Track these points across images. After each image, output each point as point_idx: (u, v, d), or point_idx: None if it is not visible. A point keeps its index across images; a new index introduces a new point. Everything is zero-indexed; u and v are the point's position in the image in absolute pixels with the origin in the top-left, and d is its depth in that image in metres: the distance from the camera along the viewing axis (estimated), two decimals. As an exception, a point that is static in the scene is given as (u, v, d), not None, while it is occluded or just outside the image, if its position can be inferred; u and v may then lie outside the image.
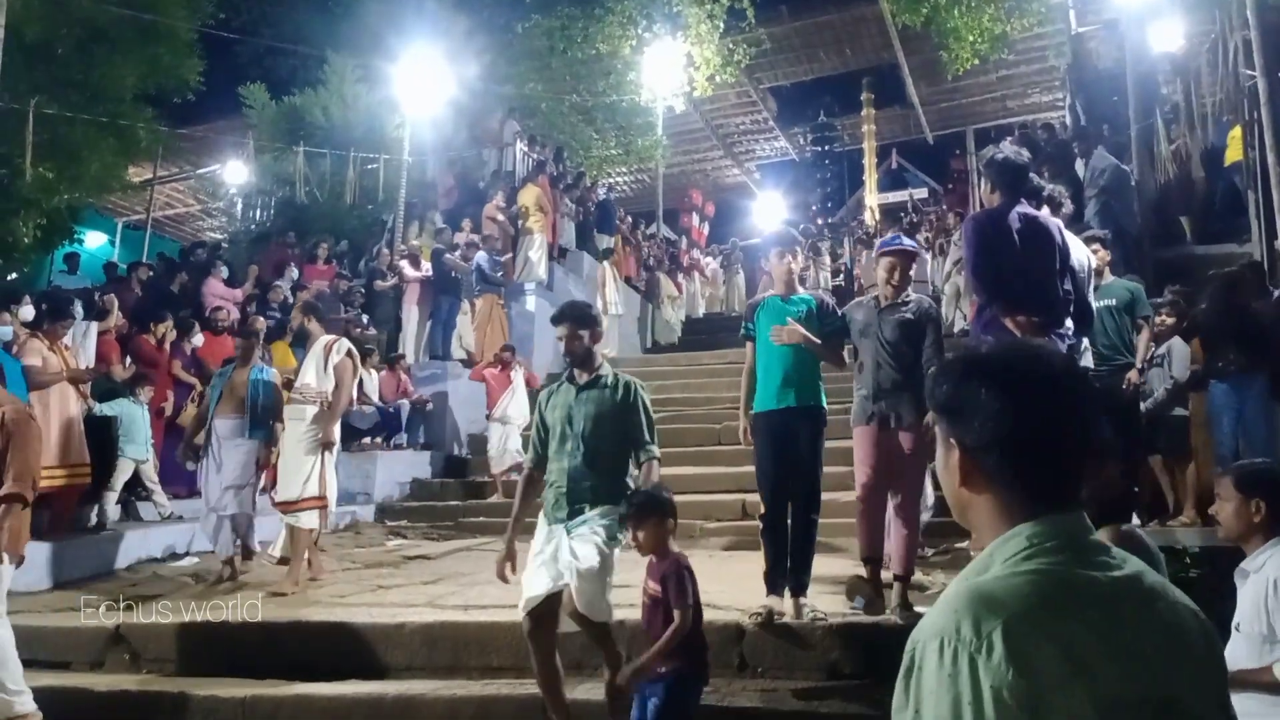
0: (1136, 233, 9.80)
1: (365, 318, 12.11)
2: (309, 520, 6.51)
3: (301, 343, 7.05)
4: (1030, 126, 16.83)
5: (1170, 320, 6.81)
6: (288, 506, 6.52)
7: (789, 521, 4.88)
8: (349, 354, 6.85)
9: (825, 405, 5.02)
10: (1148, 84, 10.97)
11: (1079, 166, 10.61)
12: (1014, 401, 1.25)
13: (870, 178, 27.75)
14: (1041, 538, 1.22)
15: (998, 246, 4.46)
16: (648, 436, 4.14)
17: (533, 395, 10.61)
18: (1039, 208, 4.84)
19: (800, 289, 5.14)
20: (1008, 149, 4.87)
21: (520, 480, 4.39)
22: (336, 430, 6.87)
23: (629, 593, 4.21)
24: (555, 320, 4.21)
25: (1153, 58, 11.33)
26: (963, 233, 4.80)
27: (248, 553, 7.14)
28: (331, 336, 6.96)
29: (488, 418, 10.49)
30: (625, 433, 4.11)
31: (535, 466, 4.28)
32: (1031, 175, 5.07)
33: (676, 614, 3.55)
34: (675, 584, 3.58)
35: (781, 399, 4.91)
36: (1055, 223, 4.71)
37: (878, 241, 19.67)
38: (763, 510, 4.97)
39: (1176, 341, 6.67)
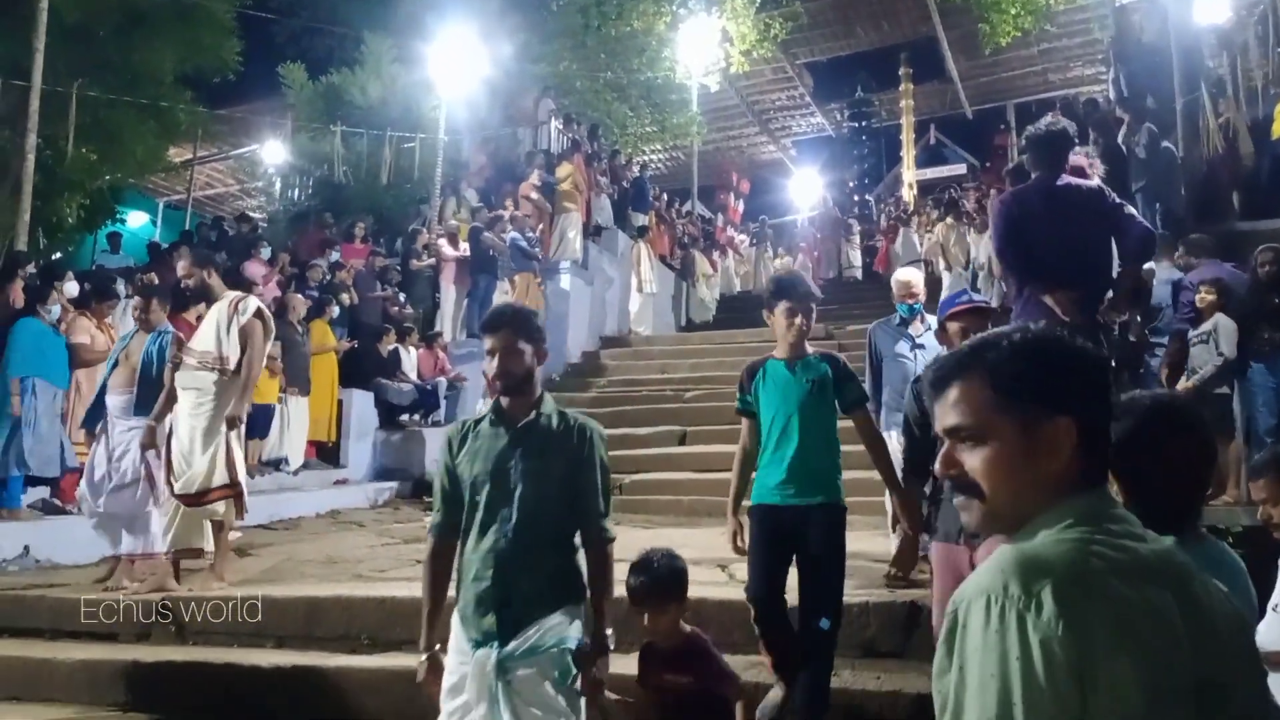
0: (1181, 209, 9.63)
1: (403, 296, 12.20)
2: (217, 510, 5.62)
3: (202, 301, 6.00)
4: (1073, 100, 16.56)
5: (1210, 297, 6.71)
6: (194, 500, 5.53)
7: (789, 624, 3.88)
8: (259, 314, 5.76)
9: (845, 502, 3.96)
10: (1193, 57, 10.73)
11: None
12: (1097, 379, 1.33)
13: (908, 154, 27.52)
14: (1084, 509, 1.24)
15: (1025, 225, 4.38)
16: (604, 506, 2.96)
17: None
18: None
19: (808, 348, 4.00)
20: (1045, 121, 4.80)
21: (425, 558, 3.08)
22: (246, 405, 5.80)
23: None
24: (487, 328, 2.97)
25: (1198, 30, 11.07)
26: (989, 215, 4.72)
27: (130, 559, 5.88)
28: (237, 294, 5.89)
29: None
30: (574, 498, 2.93)
31: (444, 536, 3.01)
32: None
33: (732, 696, 3.05)
34: (709, 663, 3.05)
35: (790, 492, 3.83)
36: (1092, 186, 4.61)
37: (915, 220, 19.41)
38: (752, 614, 3.94)
39: (1223, 317, 6.57)
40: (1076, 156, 5.72)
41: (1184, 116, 10.27)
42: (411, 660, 4.55)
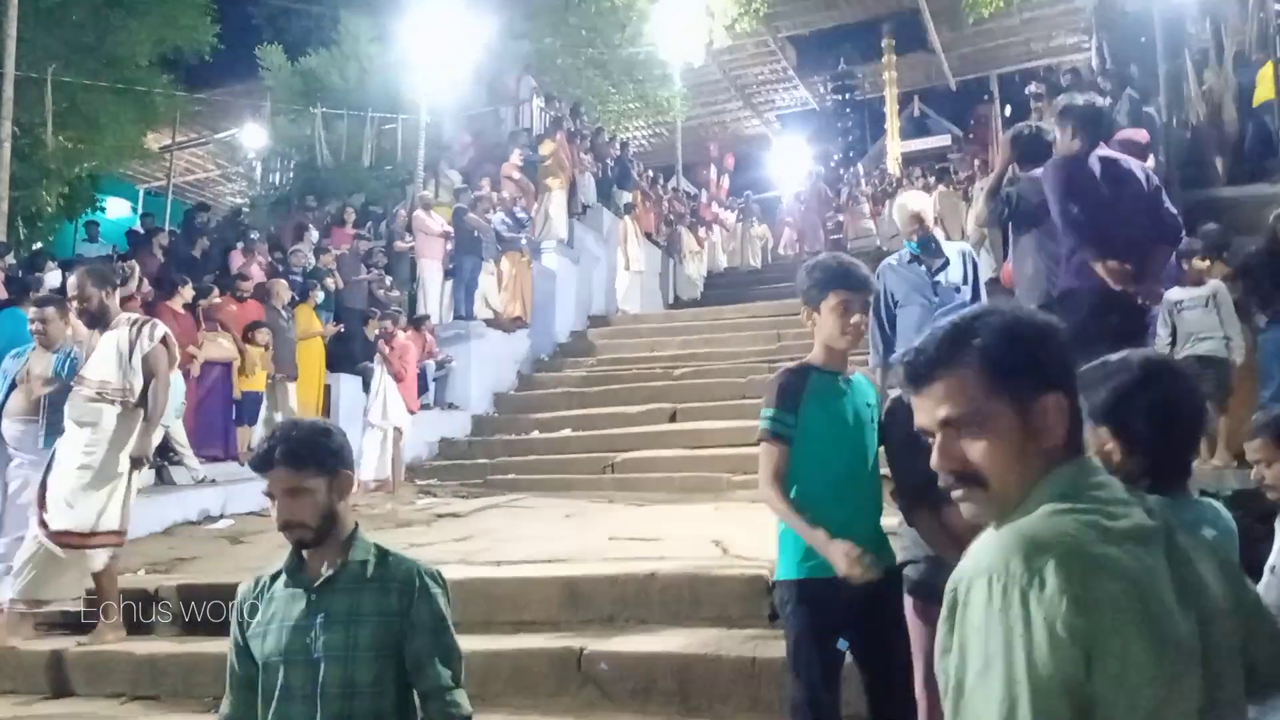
0: (1163, 175, 9.65)
1: (389, 279, 12.12)
2: (99, 559, 4.89)
3: (98, 324, 5.08)
4: (1054, 70, 16.54)
5: (1205, 264, 6.75)
6: (73, 539, 4.84)
7: None
8: (164, 341, 5.09)
9: None
10: (1176, 24, 10.72)
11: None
12: (1069, 351, 1.34)
13: (892, 125, 27.46)
14: (1071, 480, 1.25)
15: (1082, 190, 4.37)
16: (450, 675, 2.25)
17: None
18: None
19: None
20: (1081, 96, 4.82)
21: None
22: (152, 443, 5.22)
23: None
24: (259, 464, 2.29)
25: (1181, -4, 11.07)
26: (1044, 178, 4.61)
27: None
28: (139, 315, 5.28)
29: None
30: (406, 671, 2.24)
31: None
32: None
33: None
34: None
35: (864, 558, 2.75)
36: (1139, 165, 4.63)
37: (901, 194, 19.49)
38: None
39: (1220, 286, 6.63)
40: (1138, 132, 5.72)
41: (1167, 83, 10.26)
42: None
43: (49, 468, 4.93)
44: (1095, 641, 1.08)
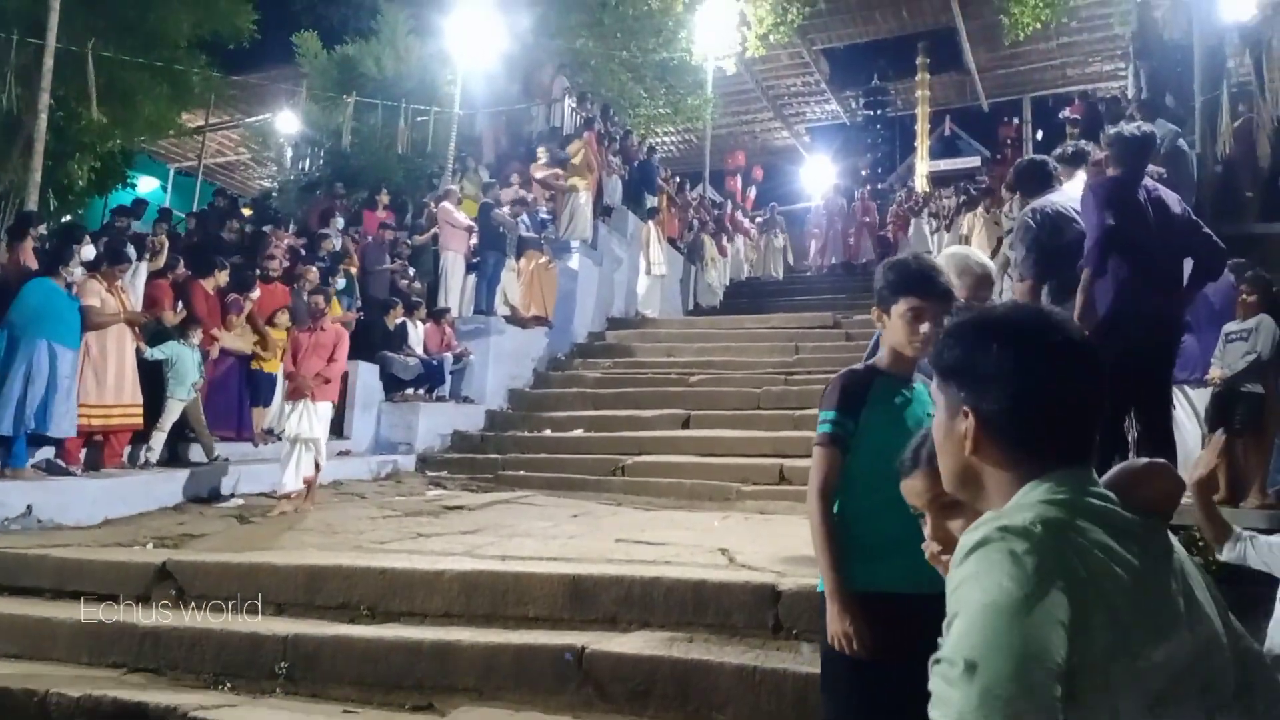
0: (1196, 208, 9.57)
1: (411, 270, 12.17)
2: None
3: None
4: (1091, 94, 16.48)
5: (1253, 298, 6.66)
6: None
7: None
8: None
9: None
10: (1215, 55, 10.64)
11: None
12: (1031, 362, 1.26)
13: (922, 144, 27.37)
14: (1054, 490, 1.23)
15: (1133, 213, 4.27)
16: None
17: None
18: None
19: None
20: (1134, 124, 4.83)
21: None
22: None
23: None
24: None
25: (1222, 28, 10.98)
26: (1085, 200, 4.52)
27: None
28: None
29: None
30: None
31: None
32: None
33: None
34: None
35: (918, 570, 2.10)
36: (1175, 197, 4.59)
37: (926, 210, 19.26)
38: None
39: (1266, 318, 6.55)
40: (1093, 148, 5.67)
41: (1203, 115, 10.19)
42: (408, 633, 4.57)
43: None
44: (1078, 613, 1.08)
